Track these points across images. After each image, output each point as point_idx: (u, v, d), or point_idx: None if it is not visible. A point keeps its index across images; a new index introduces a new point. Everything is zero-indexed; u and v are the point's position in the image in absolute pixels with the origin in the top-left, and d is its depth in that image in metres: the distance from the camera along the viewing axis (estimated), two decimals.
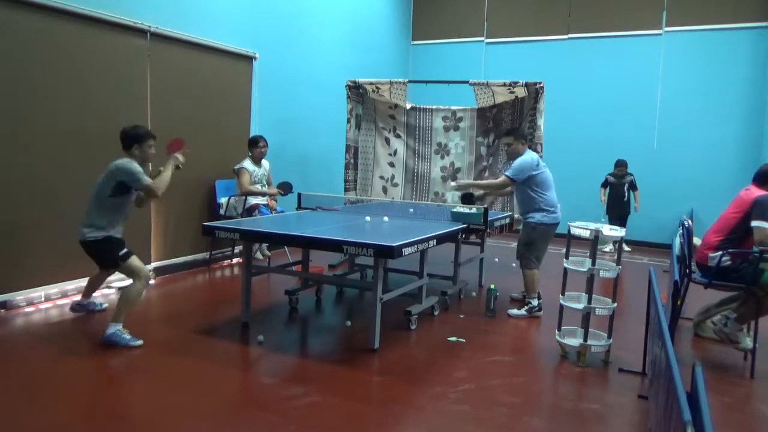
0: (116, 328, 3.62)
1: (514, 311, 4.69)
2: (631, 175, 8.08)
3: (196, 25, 5.76)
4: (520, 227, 4.89)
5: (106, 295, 4.85)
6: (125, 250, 3.78)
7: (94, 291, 4.35)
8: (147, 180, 3.72)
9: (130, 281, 3.84)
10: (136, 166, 3.70)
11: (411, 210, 5.72)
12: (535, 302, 4.69)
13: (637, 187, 8.10)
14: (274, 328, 4.24)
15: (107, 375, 3.23)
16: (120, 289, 4.31)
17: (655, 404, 2.40)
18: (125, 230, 5.12)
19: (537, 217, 4.62)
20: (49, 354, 3.49)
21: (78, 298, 4.41)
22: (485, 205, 4.88)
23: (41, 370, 3.23)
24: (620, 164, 8.07)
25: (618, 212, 8.09)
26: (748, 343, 3.83)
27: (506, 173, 4.64)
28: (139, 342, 3.63)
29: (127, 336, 3.63)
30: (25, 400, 2.86)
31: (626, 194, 8.05)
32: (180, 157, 3.98)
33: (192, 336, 3.91)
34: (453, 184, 5.06)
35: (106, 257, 3.79)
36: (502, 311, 4.73)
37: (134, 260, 3.79)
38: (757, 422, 3.07)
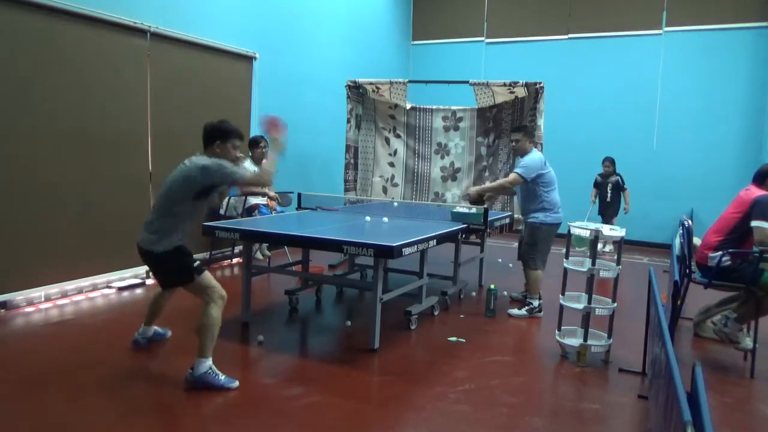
0: (207, 366, 3.03)
1: (515, 311, 4.69)
2: (618, 175, 7.83)
3: (196, 25, 5.76)
4: (521, 227, 4.89)
5: (106, 295, 4.85)
6: (198, 262, 3.15)
7: (157, 317, 3.65)
8: (248, 172, 3.22)
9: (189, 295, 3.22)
10: (225, 162, 3.12)
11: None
12: (536, 303, 4.69)
13: (626, 187, 7.85)
14: (274, 328, 4.24)
15: (107, 375, 3.23)
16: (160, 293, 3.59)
17: (655, 404, 2.40)
18: (127, 230, 5.13)
19: (540, 216, 4.62)
20: (48, 354, 3.49)
21: (69, 300, 4.39)
22: (485, 205, 4.88)
23: (41, 370, 3.23)
24: (605, 162, 7.84)
25: (603, 213, 7.94)
26: (748, 343, 3.83)
27: (518, 171, 4.62)
28: (236, 383, 3.07)
29: (222, 377, 3.04)
30: (25, 400, 2.86)
31: (609, 194, 7.78)
32: (281, 137, 3.42)
33: (192, 336, 3.89)
34: (466, 194, 4.99)
35: (177, 272, 3.13)
36: (502, 311, 4.73)
37: (208, 276, 3.18)
38: (757, 422, 3.07)
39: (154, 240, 3.08)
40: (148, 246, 3.11)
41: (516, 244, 5.27)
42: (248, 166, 5.91)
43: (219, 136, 3.22)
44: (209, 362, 3.05)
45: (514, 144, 4.91)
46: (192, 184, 3.06)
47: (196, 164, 3.07)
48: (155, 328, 3.70)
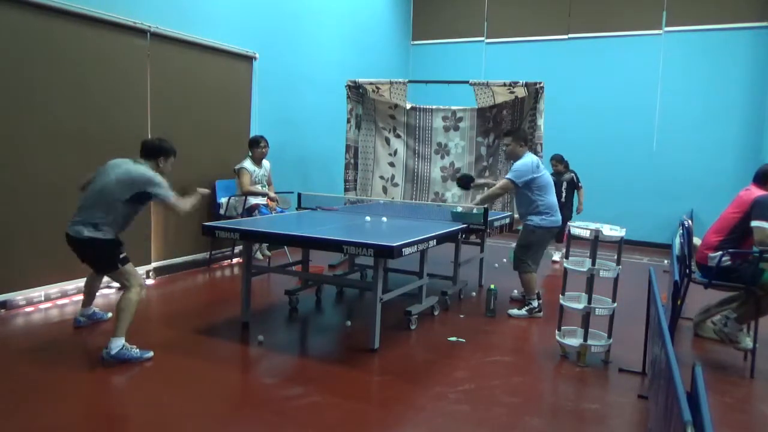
0: (121, 343, 3.37)
1: (515, 311, 4.69)
2: (573, 172, 7.34)
3: (196, 25, 5.76)
4: (520, 227, 4.89)
5: (105, 295, 4.84)
6: (125, 254, 3.57)
7: (93, 297, 4.09)
8: (173, 196, 3.59)
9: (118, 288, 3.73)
10: (162, 179, 3.57)
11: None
12: (535, 303, 4.69)
13: (581, 185, 7.28)
14: (274, 328, 4.24)
15: (107, 375, 3.23)
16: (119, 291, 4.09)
17: (655, 404, 2.40)
18: (127, 230, 5.11)
19: (535, 220, 4.60)
20: (49, 354, 3.49)
21: (69, 300, 4.40)
22: (485, 205, 4.87)
23: (41, 371, 3.23)
24: (553, 160, 7.19)
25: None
26: (748, 343, 3.83)
27: (508, 177, 4.61)
28: (150, 354, 3.44)
29: (136, 350, 3.40)
30: (25, 400, 2.86)
31: (564, 194, 7.12)
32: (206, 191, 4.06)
33: (192, 336, 3.91)
34: (471, 205, 4.95)
35: (104, 260, 3.55)
36: (502, 311, 4.73)
37: (131, 265, 3.60)
38: (757, 422, 3.07)
39: (81, 230, 3.47)
40: (75, 234, 3.50)
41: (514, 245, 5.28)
42: (248, 166, 5.94)
43: (164, 153, 3.71)
44: (122, 340, 3.38)
45: (504, 148, 4.91)
46: (129, 188, 3.49)
47: (136, 170, 3.53)
48: (94, 309, 4.13)
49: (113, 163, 3.58)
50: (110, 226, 3.51)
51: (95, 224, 3.46)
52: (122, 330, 3.39)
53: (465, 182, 5.26)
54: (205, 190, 4.05)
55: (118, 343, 3.35)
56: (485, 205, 4.72)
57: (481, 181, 5.44)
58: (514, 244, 4.83)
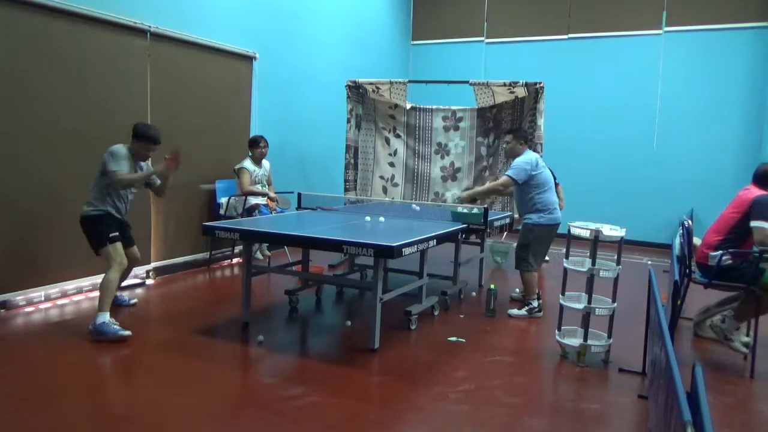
0: (103, 318, 3.68)
1: (515, 311, 4.69)
2: (549, 169, 7.18)
3: (196, 25, 5.76)
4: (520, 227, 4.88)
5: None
6: (115, 233, 3.83)
7: (120, 284, 4.18)
8: (115, 167, 3.80)
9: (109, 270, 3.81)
10: (120, 152, 3.85)
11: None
12: (535, 303, 4.69)
13: (558, 182, 6.96)
14: (274, 328, 4.24)
15: (108, 375, 3.23)
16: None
17: (655, 404, 2.40)
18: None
19: (534, 218, 4.59)
20: (49, 354, 3.49)
21: (69, 300, 4.41)
22: (485, 205, 4.87)
23: (41, 371, 3.23)
24: None
25: None
26: (739, 347, 3.82)
27: (508, 174, 4.60)
28: (128, 333, 3.68)
29: (116, 326, 3.68)
30: (25, 400, 2.86)
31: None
32: (166, 172, 4.03)
33: (192, 336, 3.91)
34: (457, 197, 4.93)
35: (94, 236, 3.84)
36: (502, 311, 4.73)
37: (116, 247, 3.84)
38: (757, 422, 3.07)
39: (83, 208, 3.88)
40: (80, 214, 3.89)
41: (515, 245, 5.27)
42: (248, 166, 5.94)
43: (135, 136, 3.96)
44: (106, 316, 3.69)
45: (505, 146, 4.91)
46: (103, 163, 3.84)
47: (110, 148, 3.87)
48: (119, 295, 4.33)
49: None
50: (100, 201, 3.86)
51: (89, 201, 3.87)
52: (102, 306, 3.71)
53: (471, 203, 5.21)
54: (211, 186, 4.18)
55: (99, 318, 3.68)
56: (480, 199, 4.70)
57: (481, 196, 5.39)
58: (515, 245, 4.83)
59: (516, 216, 5.84)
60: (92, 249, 3.94)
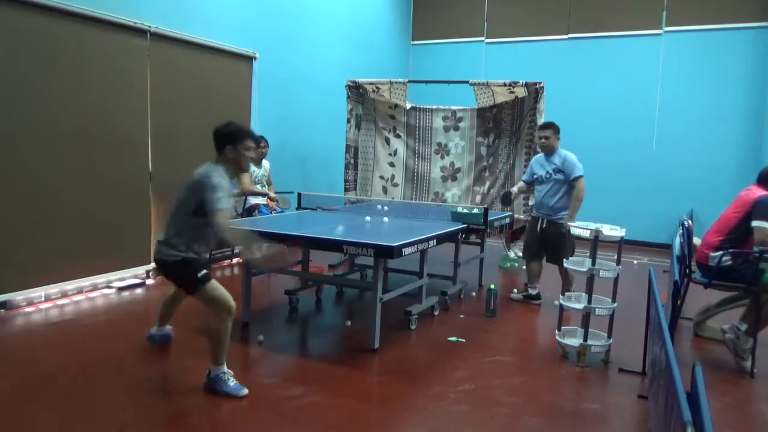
0: (219, 371, 3.04)
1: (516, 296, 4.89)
2: None
3: (196, 25, 5.76)
4: (543, 225, 4.84)
5: (105, 295, 4.84)
6: (204, 271, 3.03)
7: (169, 317, 3.65)
8: (225, 208, 2.92)
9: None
10: (225, 183, 2.97)
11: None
12: (532, 291, 4.93)
13: None
14: (274, 328, 4.24)
15: (108, 375, 3.23)
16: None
17: (655, 404, 2.40)
18: (128, 230, 5.11)
19: (563, 215, 4.75)
20: (49, 354, 3.49)
21: (69, 300, 4.39)
22: (485, 205, 4.88)
23: (41, 371, 3.23)
24: None
25: None
26: (748, 366, 3.69)
27: (580, 174, 4.67)
28: (245, 392, 3.00)
29: (232, 383, 3.02)
30: (26, 400, 2.86)
31: None
32: (274, 258, 3.12)
33: (192, 336, 3.90)
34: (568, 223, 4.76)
35: (181, 280, 3.13)
36: (503, 311, 4.73)
37: (214, 286, 3.05)
38: (757, 422, 3.07)
39: (162, 250, 3.03)
40: (156, 255, 3.10)
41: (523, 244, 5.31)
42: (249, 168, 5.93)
43: (229, 140, 3.03)
44: (223, 368, 3.05)
45: (543, 141, 4.88)
46: (193, 195, 2.96)
47: (201, 173, 2.99)
48: (168, 327, 3.69)
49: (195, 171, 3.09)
50: (188, 245, 3.01)
51: (171, 244, 3.01)
52: (217, 358, 3.04)
53: (506, 199, 5.19)
54: (282, 248, 3.23)
55: (216, 371, 3.04)
56: (574, 212, 4.70)
57: (514, 189, 5.27)
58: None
59: (517, 216, 5.85)
60: (186, 293, 3.22)
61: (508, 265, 6.64)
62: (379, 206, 5.79)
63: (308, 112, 7.59)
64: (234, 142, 3.05)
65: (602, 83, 8.83)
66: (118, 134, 5.02)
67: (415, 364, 3.60)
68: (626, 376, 3.49)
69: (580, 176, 4.69)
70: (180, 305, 3.64)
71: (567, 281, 4.57)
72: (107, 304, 4.61)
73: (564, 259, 4.50)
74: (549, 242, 4.84)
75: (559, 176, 4.77)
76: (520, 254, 6.09)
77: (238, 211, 5.90)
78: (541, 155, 5.00)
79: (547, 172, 4.86)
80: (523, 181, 5.18)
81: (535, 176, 4.99)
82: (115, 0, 4.91)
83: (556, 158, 4.81)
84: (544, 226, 4.86)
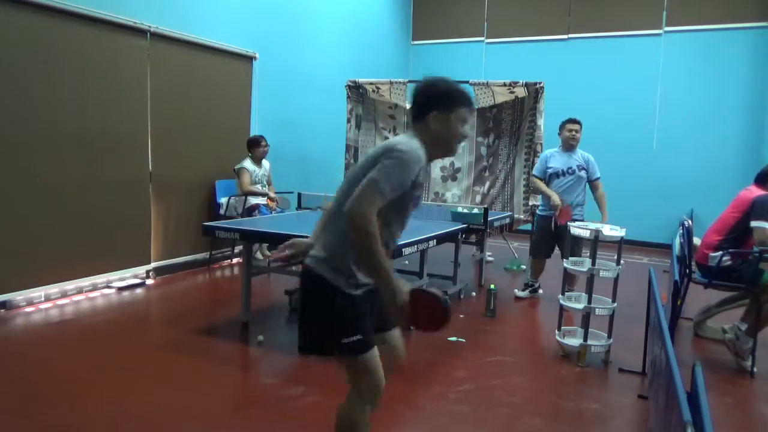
0: None
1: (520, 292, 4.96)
2: None
3: (196, 25, 5.76)
4: (547, 224, 4.93)
5: (106, 295, 4.85)
6: (360, 336, 1.88)
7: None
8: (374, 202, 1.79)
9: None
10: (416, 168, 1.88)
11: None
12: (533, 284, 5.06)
13: None
14: (274, 328, 4.24)
15: (108, 375, 3.23)
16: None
17: (655, 404, 2.40)
18: (128, 231, 5.08)
19: (539, 210, 4.92)
20: (49, 354, 3.49)
21: (69, 300, 4.38)
22: (486, 205, 4.89)
23: (41, 370, 3.23)
24: None
25: None
26: (748, 366, 3.70)
27: (599, 175, 4.86)
28: None
29: None
30: (25, 399, 2.86)
31: None
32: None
33: (192, 336, 3.91)
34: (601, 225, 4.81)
35: (317, 326, 1.93)
36: (503, 311, 4.73)
37: (374, 358, 1.92)
38: (757, 422, 3.07)
39: (314, 254, 1.95)
40: (308, 263, 1.95)
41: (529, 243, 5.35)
42: (248, 166, 5.94)
43: (435, 103, 1.92)
44: None
45: (574, 134, 4.94)
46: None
47: (386, 146, 1.88)
48: None
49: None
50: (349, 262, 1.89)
51: (326, 257, 1.92)
52: None
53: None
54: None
55: None
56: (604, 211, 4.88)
57: (532, 201, 5.54)
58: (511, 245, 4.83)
59: (517, 216, 5.85)
60: (308, 350, 2.03)
61: (515, 267, 6.64)
62: None
63: (308, 112, 7.59)
64: (446, 109, 1.92)
65: (602, 83, 8.82)
66: (118, 134, 5.02)
67: (415, 364, 3.59)
68: (626, 376, 3.49)
69: (598, 177, 4.87)
70: (180, 305, 3.63)
71: (571, 280, 4.63)
72: (107, 304, 4.61)
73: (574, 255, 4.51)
74: (562, 237, 4.82)
75: (583, 173, 4.89)
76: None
77: (238, 211, 5.90)
78: (556, 150, 5.02)
79: (570, 168, 4.91)
80: (534, 175, 5.16)
81: (550, 170, 4.96)
82: (115, 0, 4.91)
83: (578, 155, 4.92)
84: (558, 224, 4.86)
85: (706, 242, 3.97)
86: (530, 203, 5.97)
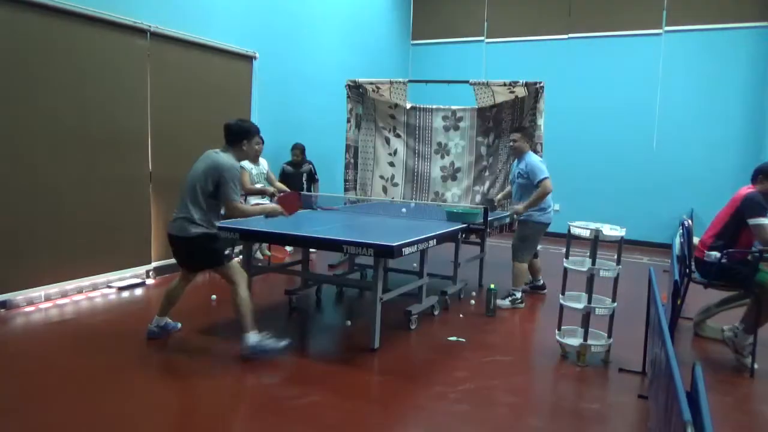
0: (256, 338, 3.46)
1: (499, 301, 4.84)
2: (310, 162, 6.97)
3: (196, 25, 5.75)
4: (544, 229, 5.00)
5: (105, 295, 4.85)
6: (229, 250, 3.61)
7: (172, 306, 3.81)
8: (237, 197, 3.47)
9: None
10: (239, 176, 3.53)
11: (404, 210, 5.71)
12: (519, 294, 4.90)
13: (318, 178, 7.04)
14: (274, 328, 4.23)
15: (108, 375, 3.23)
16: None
17: (655, 404, 2.40)
18: (128, 230, 5.14)
19: (535, 215, 4.84)
20: (49, 354, 3.49)
21: (69, 300, 4.40)
22: (485, 205, 4.90)
23: (41, 370, 3.23)
24: (296, 148, 6.86)
25: None
26: (749, 362, 3.71)
27: (544, 176, 4.75)
28: (285, 342, 3.52)
29: (271, 341, 3.50)
30: (25, 400, 2.86)
31: (305, 186, 6.84)
32: (285, 214, 3.76)
33: (192, 336, 3.91)
34: (517, 210, 4.90)
35: (210, 256, 3.52)
36: (502, 311, 4.73)
37: (234, 263, 3.58)
38: (757, 422, 3.07)
39: (187, 227, 3.44)
40: (180, 233, 3.46)
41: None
42: (246, 165, 5.92)
43: (245, 135, 3.55)
44: (258, 334, 3.44)
45: (512, 144, 5.07)
46: (212, 180, 3.41)
47: (220, 161, 3.42)
48: (167, 319, 3.81)
49: (204, 155, 3.56)
50: (209, 221, 3.49)
51: (195, 222, 3.44)
52: (248, 325, 3.44)
53: (490, 205, 5.45)
54: (284, 212, 3.78)
55: (252, 339, 3.43)
56: (534, 205, 4.85)
57: (499, 196, 5.60)
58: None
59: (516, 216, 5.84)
60: (198, 269, 3.80)
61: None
62: (403, 209, 5.82)
63: (308, 112, 7.59)
64: (249, 138, 3.57)
65: (602, 83, 8.83)
66: (118, 134, 5.02)
67: (415, 364, 3.60)
68: (626, 376, 3.49)
69: (544, 179, 4.75)
70: (180, 305, 3.64)
71: (514, 277, 4.91)
72: (107, 304, 4.61)
73: (519, 255, 4.86)
74: (515, 237, 5.05)
75: (521, 180, 4.92)
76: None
77: None
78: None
79: (514, 174, 5.06)
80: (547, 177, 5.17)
81: (511, 178, 5.21)
82: (115, 0, 4.91)
83: (522, 162, 4.94)
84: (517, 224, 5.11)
85: (702, 241, 3.99)
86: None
